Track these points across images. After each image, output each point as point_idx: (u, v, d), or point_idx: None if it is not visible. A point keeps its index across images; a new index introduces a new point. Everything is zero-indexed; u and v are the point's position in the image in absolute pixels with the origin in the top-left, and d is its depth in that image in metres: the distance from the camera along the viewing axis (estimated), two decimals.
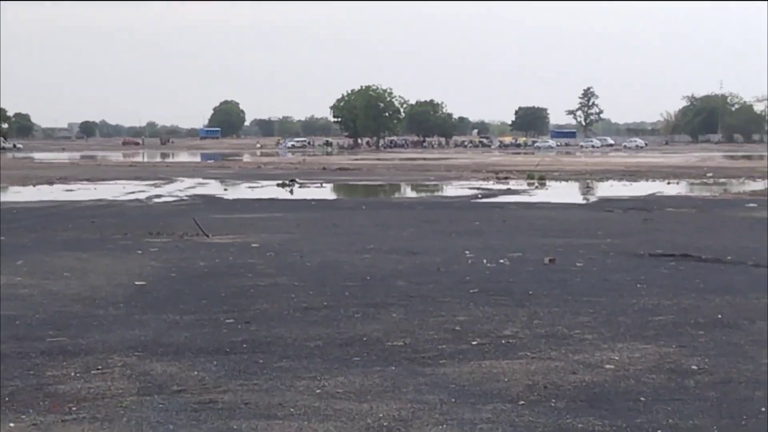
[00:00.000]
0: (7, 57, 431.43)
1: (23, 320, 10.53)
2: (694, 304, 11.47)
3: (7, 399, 7.36)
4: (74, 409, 7.10)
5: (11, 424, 6.74)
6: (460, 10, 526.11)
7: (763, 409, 7.06)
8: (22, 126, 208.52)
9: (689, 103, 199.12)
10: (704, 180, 47.98)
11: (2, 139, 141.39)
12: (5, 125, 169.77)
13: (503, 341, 9.40)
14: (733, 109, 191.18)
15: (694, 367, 8.33)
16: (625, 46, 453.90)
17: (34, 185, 43.22)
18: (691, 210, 27.62)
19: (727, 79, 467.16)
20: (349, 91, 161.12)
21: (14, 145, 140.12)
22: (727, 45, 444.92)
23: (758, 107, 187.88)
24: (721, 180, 47.71)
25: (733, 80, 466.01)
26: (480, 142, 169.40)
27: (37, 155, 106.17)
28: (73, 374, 8.15)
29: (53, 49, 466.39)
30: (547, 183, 45.16)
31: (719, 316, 10.66)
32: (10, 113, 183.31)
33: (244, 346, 9.24)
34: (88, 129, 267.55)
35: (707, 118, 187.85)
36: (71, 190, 39.38)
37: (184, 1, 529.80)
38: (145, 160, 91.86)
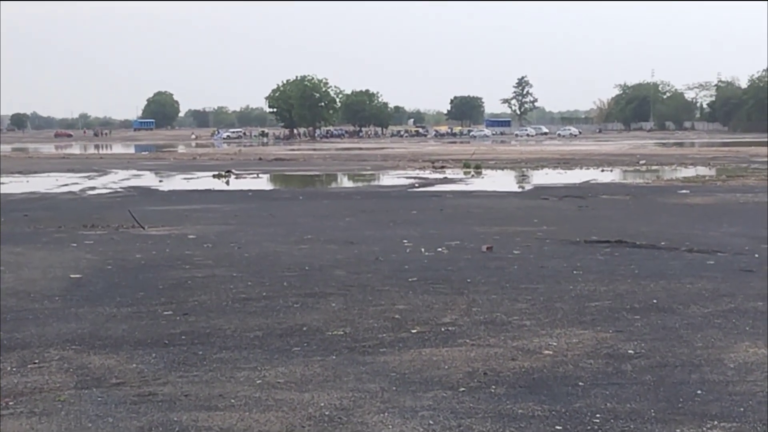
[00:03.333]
0: None
1: None
2: (629, 289, 11.61)
3: None
4: (11, 403, 7.01)
5: None
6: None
7: (699, 392, 7.18)
8: None
9: (621, 92, 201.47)
10: (637, 167, 48.53)
11: None
12: None
13: (443, 329, 9.44)
14: (665, 97, 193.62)
15: (630, 351, 8.44)
16: (559, 35, 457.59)
17: None
18: (625, 197, 27.94)
19: (659, 68, 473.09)
20: (285, 81, 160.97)
21: None
22: (658, 34, 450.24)
23: (689, 95, 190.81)
24: (654, 167, 48.29)
25: (664, 68, 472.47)
26: (416, 131, 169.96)
27: None
28: (9, 368, 8.03)
29: None
30: (483, 172, 45.42)
31: (654, 301, 10.81)
32: None
33: (183, 337, 9.18)
34: (18, 121, 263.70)
35: (639, 106, 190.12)
36: (2, 183, 38.78)
37: None
38: (79, 152, 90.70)
